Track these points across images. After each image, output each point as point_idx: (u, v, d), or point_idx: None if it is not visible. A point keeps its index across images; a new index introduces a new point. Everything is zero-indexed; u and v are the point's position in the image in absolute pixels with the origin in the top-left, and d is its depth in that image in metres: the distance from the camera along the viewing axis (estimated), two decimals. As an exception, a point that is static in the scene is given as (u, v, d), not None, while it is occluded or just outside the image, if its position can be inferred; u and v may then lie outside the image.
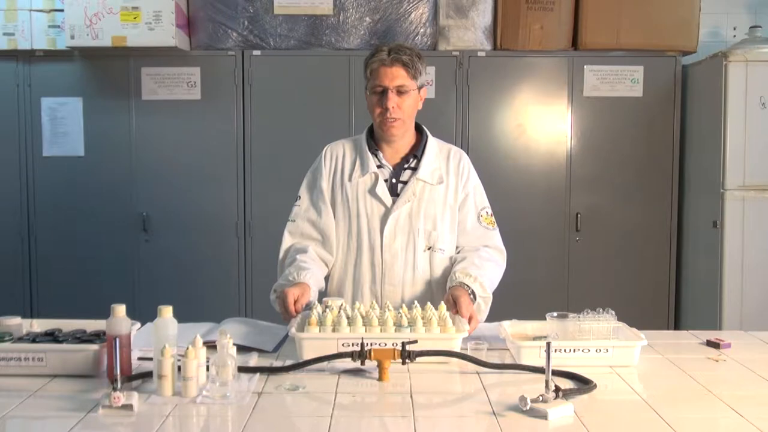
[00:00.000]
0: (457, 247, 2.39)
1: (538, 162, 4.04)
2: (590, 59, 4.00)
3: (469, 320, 2.07)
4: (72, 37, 3.70)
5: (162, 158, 4.00)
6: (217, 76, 3.97)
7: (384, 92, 2.24)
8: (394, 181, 2.34)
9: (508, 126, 4.03)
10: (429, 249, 2.34)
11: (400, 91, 2.25)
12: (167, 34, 3.71)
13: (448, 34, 3.99)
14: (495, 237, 2.40)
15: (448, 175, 2.36)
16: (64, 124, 3.98)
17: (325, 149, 2.43)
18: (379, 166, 2.34)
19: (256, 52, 3.96)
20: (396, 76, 2.23)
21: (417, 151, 2.35)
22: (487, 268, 2.29)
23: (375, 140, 2.37)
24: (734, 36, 4.31)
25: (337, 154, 2.40)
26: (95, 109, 3.98)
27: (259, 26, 3.96)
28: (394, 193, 2.33)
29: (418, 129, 2.41)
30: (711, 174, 3.80)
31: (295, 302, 2.11)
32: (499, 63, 4.01)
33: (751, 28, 4.04)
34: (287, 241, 2.40)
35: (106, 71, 3.97)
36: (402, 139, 2.35)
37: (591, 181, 4.05)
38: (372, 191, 2.33)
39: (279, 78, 3.98)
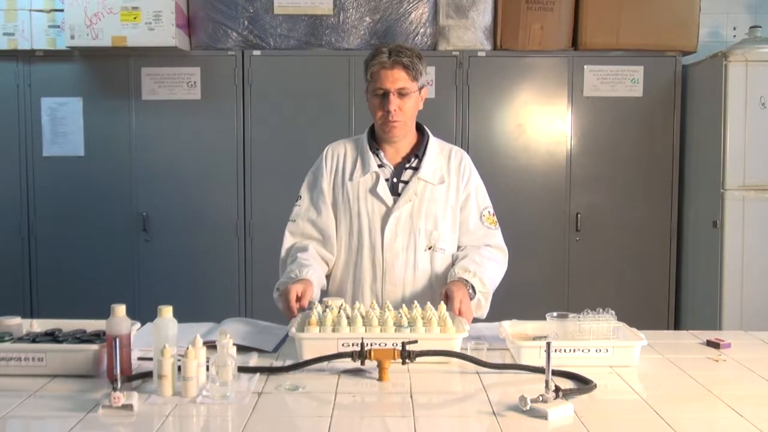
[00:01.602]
0: (459, 247, 2.39)
1: (538, 162, 4.04)
2: (590, 59, 4.00)
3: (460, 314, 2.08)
4: (72, 37, 3.70)
5: (162, 158, 4.00)
6: (217, 76, 3.97)
7: (385, 95, 2.24)
8: (395, 180, 2.34)
9: (508, 126, 4.03)
10: (430, 248, 2.34)
11: (401, 94, 2.25)
12: (167, 34, 3.71)
13: (448, 34, 3.99)
14: (497, 236, 2.41)
15: (449, 175, 2.36)
16: (64, 124, 3.98)
17: (326, 149, 2.43)
18: (380, 166, 2.34)
19: (256, 52, 3.96)
20: (397, 78, 2.23)
21: (418, 151, 2.36)
22: (487, 265, 2.30)
23: (376, 140, 2.37)
24: (734, 36, 4.31)
25: (338, 153, 2.40)
26: (95, 109, 3.98)
27: (259, 26, 3.96)
28: (395, 192, 2.33)
29: (420, 129, 2.41)
30: (711, 174, 3.80)
31: (299, 299, 2.11)
32: (499, 63, 4.01)
33: (751, 28, 4.04)
34: (288, 240, 2.40)
35: (106, 71, 3.97)
36: (404, 140, 2.36)
37: (591, 181, 4.05)
38: (373, 191, 2.33)
39: (279, 78, 3.98)
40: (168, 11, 3.70)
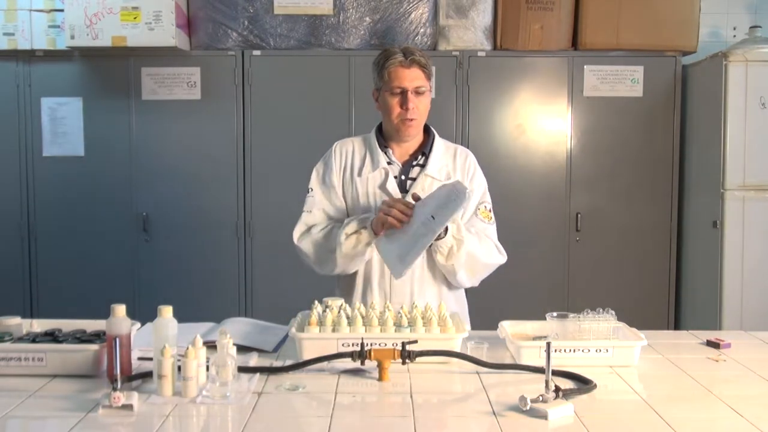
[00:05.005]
0: None
1: (538, 162, 4.04)
2: (590, 59, 4.00)
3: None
4: (72, 37, 3.70)
5: (162, 158, 4.00)
6: (217, 76, 3.97)
7: (404, 93, 2.26)
8: (403, 177, 2.36)
9: (508, 126, 4.03)
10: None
11: (418, 92, 2.28)
12: (167, 34, 3.71)
13: (448, 34, 3.99)
14: (489, 230, 2.38)
15: (454, 172, 2.38)
16: (64, 124, 3.98)
17: (334, 145, 2.44)
18: (389, 163, 2.36)
19: (256, 52, 3.96)
20: (415, 77, 2.27)
21: (425, 149, 2.38)
22: (472, 236, 2.28)
23: (384, 138, 2.39)
24: (734, 36, 4.31)
25: (347, 150, 2.41)
26: (95, 109, 3.98)
27: (259, 26, 3.96)
28: (403, 189, 2.35)
29: (425, 128, 2.43)
30: (711, 174, 3.80)
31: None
32: (499, 63, 4.00)
33: (751, 28, 4.04)
34: (302, 227, 2.37)
35: (106, 71, 3.97)
36: (414, 138, 2.37)
37: (591, 181, 4.05)
38: (382, 187, 2.34)
39: (279, 78, 3.97)
40: (168, 11, 3.70)
